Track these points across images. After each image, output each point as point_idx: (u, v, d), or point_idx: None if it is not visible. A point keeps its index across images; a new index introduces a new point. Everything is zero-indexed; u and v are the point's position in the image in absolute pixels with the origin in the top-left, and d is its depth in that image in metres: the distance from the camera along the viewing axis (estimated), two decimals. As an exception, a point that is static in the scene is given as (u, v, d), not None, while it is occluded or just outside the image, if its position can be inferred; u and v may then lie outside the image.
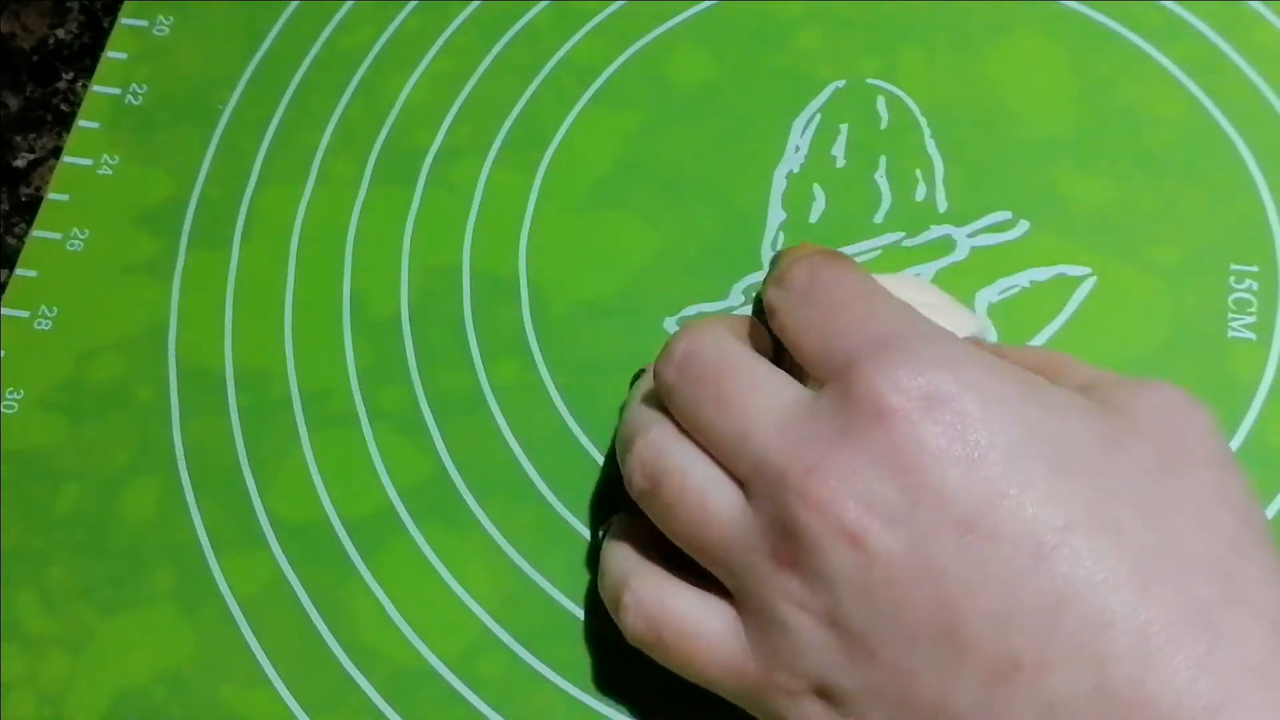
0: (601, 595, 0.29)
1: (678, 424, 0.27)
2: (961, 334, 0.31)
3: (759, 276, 0.35)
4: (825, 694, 0.24)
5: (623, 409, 0.30)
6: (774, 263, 0.30)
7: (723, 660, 0.26)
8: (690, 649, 0.27)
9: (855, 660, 0.24)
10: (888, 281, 0.32)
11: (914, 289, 0.32)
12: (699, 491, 0.26)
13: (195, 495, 0.34)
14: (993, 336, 0.34)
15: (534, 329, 0.36)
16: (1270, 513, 0.31)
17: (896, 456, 0.23)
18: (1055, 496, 0.23)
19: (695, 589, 0.27)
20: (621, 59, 0.39)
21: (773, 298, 0.28)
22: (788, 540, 0.24)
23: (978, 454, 0.23)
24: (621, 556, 0.29)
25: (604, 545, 0.30)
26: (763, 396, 0.26)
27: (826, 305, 0.27)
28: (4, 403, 0.36)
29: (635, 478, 0.27)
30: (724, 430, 0.26)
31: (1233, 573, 0.23)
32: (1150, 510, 0.23)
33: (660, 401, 0.28)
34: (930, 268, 0.35)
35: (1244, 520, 0.24)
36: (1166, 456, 0.24)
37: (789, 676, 0.25)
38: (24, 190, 0.39)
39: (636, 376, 0.31)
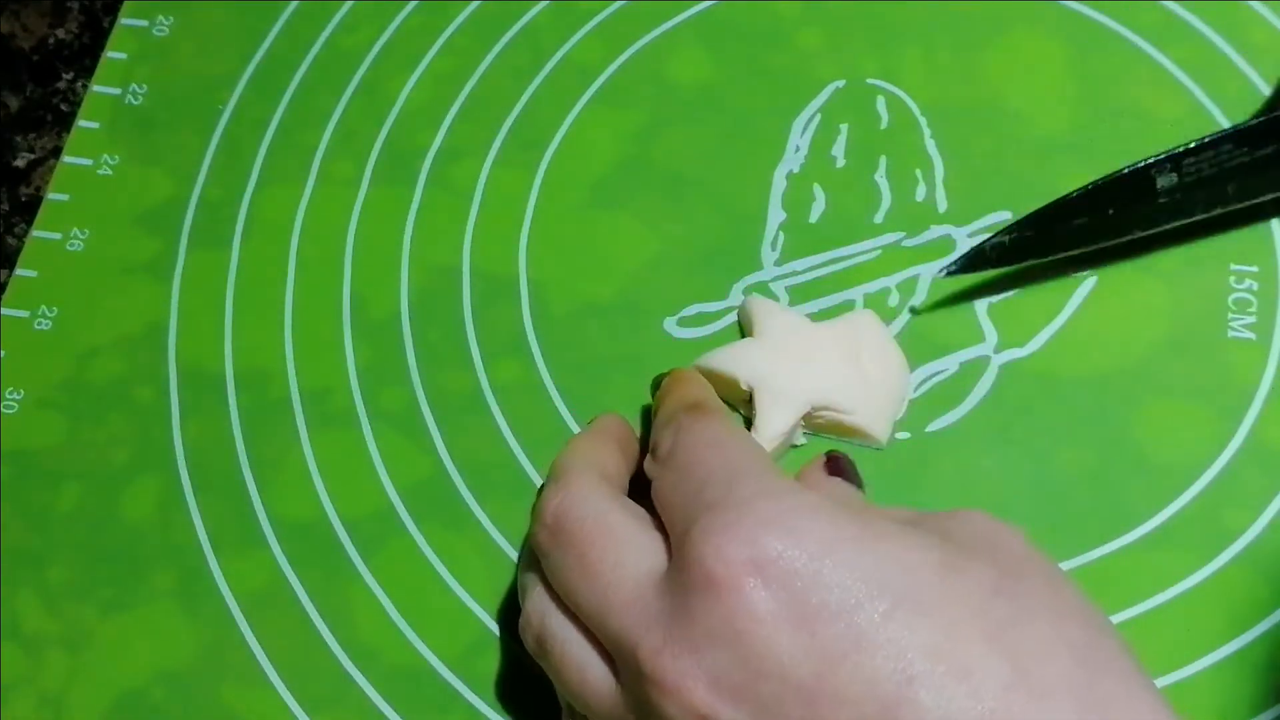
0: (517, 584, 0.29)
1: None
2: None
3: (759, 276, 0.35)
4: None
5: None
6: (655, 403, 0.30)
7: (599, 703, 0.26)
8: (572, 687, 0.26)
9: None
10: (762, 307, 0.34)
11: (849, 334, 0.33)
12: (577, 664, 0.26)
13: (195, 495, 0.34)
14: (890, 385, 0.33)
15: (534, 329, 0.36)
16: (1269, 514, 0.31)
17: (731, 629, 0.23)
18: (895, 648, 0.22)
19: (585, 634, 0.26)
20: (621, 59, 0.39)
21: (647, 469, 0.28)
22: None
23: (810, 614, 0.22)
24: (532, 560, 0.28)
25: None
26: (620, 566, 0.25)
27: (678, 470, 0.26)
28: (4, 403, 0.36)
29: (527, 641, 0.28)
30: (587, 603, 0.26)
31: (1092, 693, 0.22)
32: (998, 632, 0.22)
33: None
34: (930, 268, 0.35)
35: (1091, 625, 0.23)
36: (1002, 573, 0.24)
37: None
38: (24, 190, 0.39)
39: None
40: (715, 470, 0.26)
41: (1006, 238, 0.33)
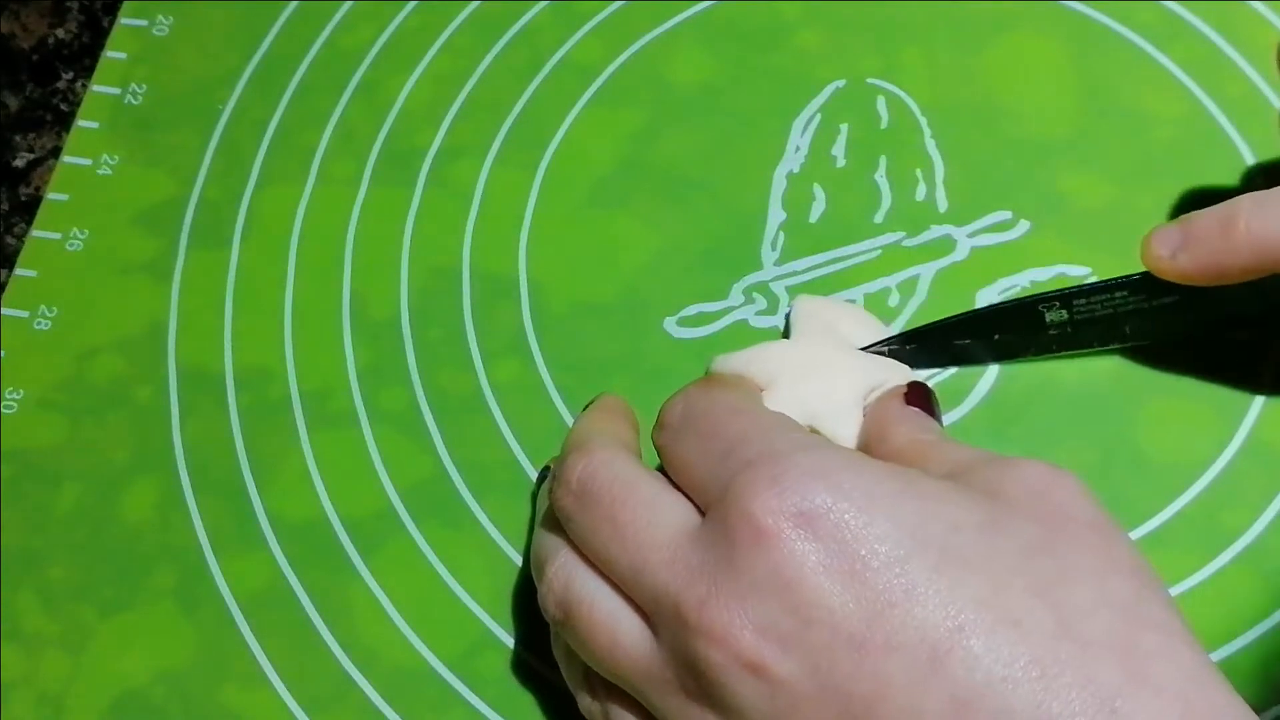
0: (531, 557, 0.29)
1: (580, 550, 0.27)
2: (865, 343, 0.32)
3: (759, 276, 0.35)
4: None
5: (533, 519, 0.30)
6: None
7: (633, 664, 0.26)
8: (602, 651, 0.26)
9: None
10: (813, 304, 0.33)
11: (838, 313, 0.33)
12: (608, 624, 0.26)
13: (195, 495, 0.34)
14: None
15: (534, 329, 0.36)
16: (1269, 514, 0.31)
17: (780, 579, 0.23)
18: (943, 597, 0.22)
19: (618, 592, 0.26)
20: (621, 59, 0.39)
21: (656, 439, 0.28)
22: (694, 675, 0.24)
23: (859, 565, 0.23)
24: (551, 526, 0.28)
25: (539, 502, 0.30)
26: (654, 525, 0.25)
27: (700, 435, 0.26)
28: (4, 403, 0.36)
29: (549, 608, 0.27)
30: (620, 562, 0.26)
31: (1135, 648, 0.22)
32: (1043, 589, 0.23)
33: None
34: (930, 268, 0.35)
35: (1137, 581, 0.23)
36: (1049, 530, 0.24)
37: None
38: (24, 190, 0.39)
39: (541, 476, 0.31)
40: (744, 432, 0.26)
41: (887, 349, 0.33)
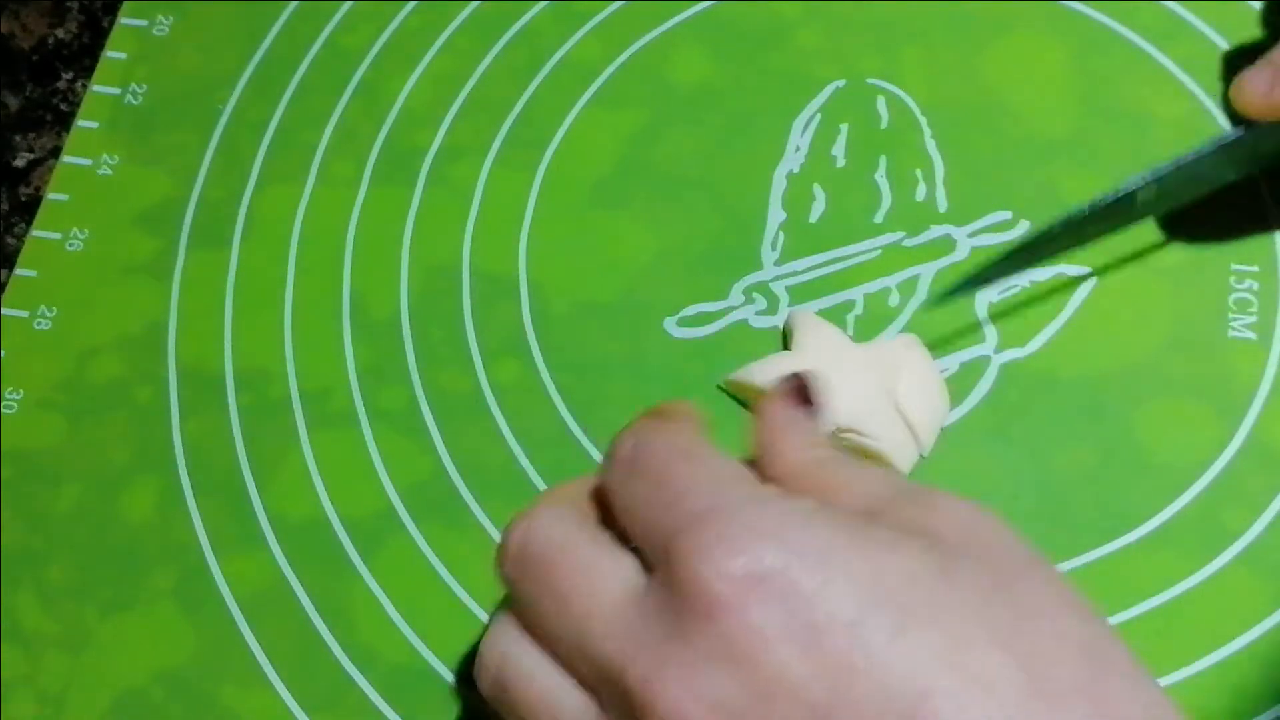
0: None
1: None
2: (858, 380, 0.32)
3: (759, 276, 0.35)
4: None
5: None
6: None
7: None
8: None
9: None
10: (806, 313, 0.34)
11: (827, 339, 0.33)
12: (548, 700, 0.24)
13: (195, 495, 0.34)
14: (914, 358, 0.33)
15: (534, 329, 0.36)
16: (1269, 514, 0.31)
17: (734, 650, 0.21)
18: (907, 660, 0.21)
19: (559, 668, 0.25)
20: (621, 59, 0.39)
21: (604, 479, 0.26)
22: None
23: (817, 630, 0.21)
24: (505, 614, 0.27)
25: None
26: (595, 592, 0.24)
27: (646, 480, 0.25)
28: (4, 403, 0.36)
29: (482, 681, 0.26)
30: (561, 633, 0.24)
31: (1103, 696, 0.21)
32: (1005, 640, 0.22)
33: None
34: (930, 268, 0.35)
35: (1086, 617, 0.23)
36: (995, 574, 0.23)
37: None
38: (24, 190, 0.39)
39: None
40: (692, 480, 0.24)
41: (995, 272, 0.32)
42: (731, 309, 0.35)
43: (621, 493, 0.25)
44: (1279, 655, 0.30)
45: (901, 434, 0.32)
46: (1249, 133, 0.32)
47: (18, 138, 0.40)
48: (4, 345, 0.37)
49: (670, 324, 0.35)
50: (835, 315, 0.35)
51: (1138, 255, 0.34)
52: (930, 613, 0.22)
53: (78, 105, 0.40)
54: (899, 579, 0.22)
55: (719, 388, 0.34)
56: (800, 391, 0.27)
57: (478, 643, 0.32)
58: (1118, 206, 0.32)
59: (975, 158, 0.36)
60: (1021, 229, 0.35)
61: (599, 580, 0.24)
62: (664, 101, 0.38)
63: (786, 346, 0.34)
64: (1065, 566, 0.31)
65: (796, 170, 0.37)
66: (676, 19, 0.39)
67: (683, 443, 0.26)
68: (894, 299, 0.35)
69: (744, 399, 0.34)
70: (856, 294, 0.35)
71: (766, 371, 0.33)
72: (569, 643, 0.24)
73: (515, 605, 0.25)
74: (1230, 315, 0.34)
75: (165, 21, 0.41)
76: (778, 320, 0.35)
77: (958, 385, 0.34)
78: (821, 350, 0.33)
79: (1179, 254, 0.34)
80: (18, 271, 0.38)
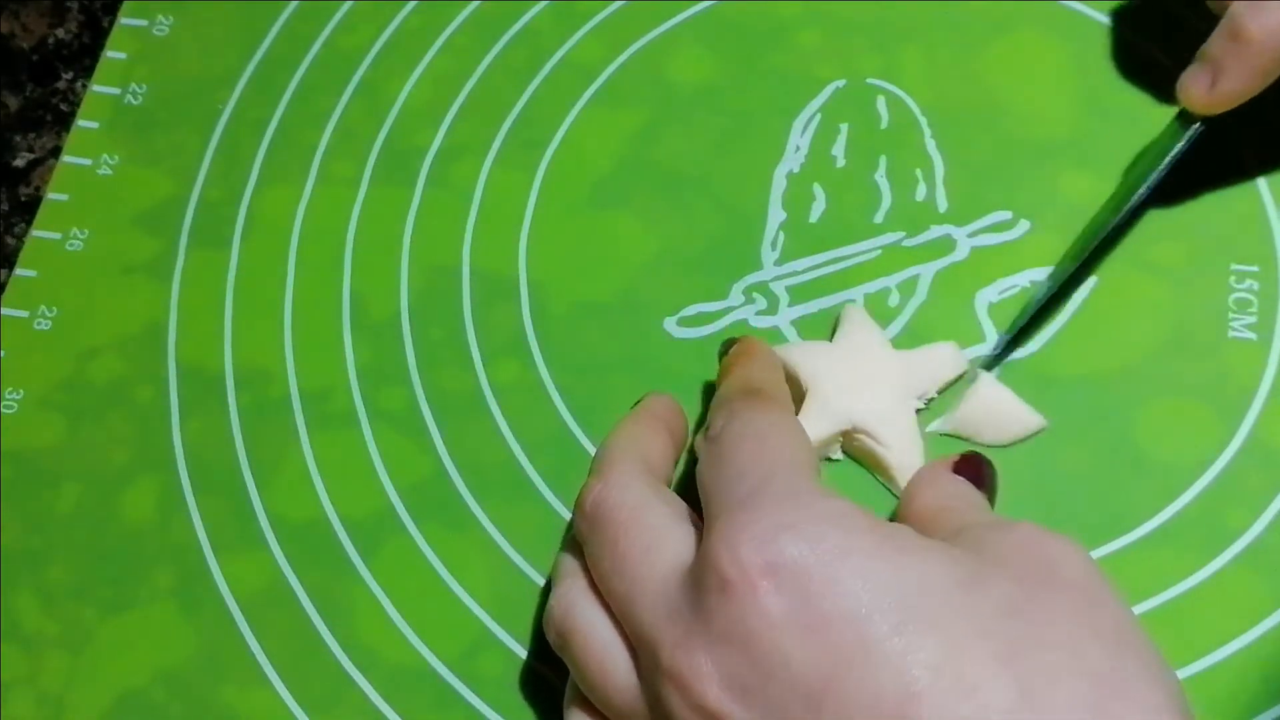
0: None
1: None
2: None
3: (759, 276, 0.35)
4: None
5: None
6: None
7: (619, 697, 0.26)
8: (593, 680, 0.26)
9: None
10: (860, 312, 0.34)
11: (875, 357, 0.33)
12: (600, 656, 0.26)
13: (195, 495, 0.34)
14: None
15: (534, 329, 0.36)
16: (1270, 514, 0.31)
17: (743, 630, 0.23)
18: (899, 660, 0.22)
19: (614, 624, 0.26)
20: (621, 59, 0.39)
21: (696, 444, 0.28)
22: (661, 717, 0.24)
23: (820, 621, 0.22)
24: (572, 548, 0.29)
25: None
26: (651, 559, 0.26)
27: (721, 457, 0.26)
28: (4, 403, 0.36)
29: (548, 631, 0.28)
30: (617, 591, 0.26)
31: None
32: (1011, 655, 0.22)
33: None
34: (930, 268, 0.35)
35: (1118, 649, 0.23)
36: (1028, 591, 0.23)
37: None
38: (24, 190, 0.39)
39: None
40: (751, 464, 0.26)
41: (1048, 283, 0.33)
42: (731, 309, 0.35)
43: (702, 463, 0.27)
44: (1279, 655, 0.30)
45: (910, 445, 0.32)
46: (1204, 122, 0.33)
47: (18, 138, 0.40)
48: (4, 345, 0.37)
49: (670, 324, 0.35)
50: (835, 314, 0.34)
51: (1138, 255, 0.34)
52: (935, 619, 0.22)
53: (78, 105, 0.40)
54: (913, 585, 0.23)
55: None
56: (971, 467, 0.29)
57: (477, 642, 0.32)
58: (1123, 218, 0.34)
59: (975, 158, 0.36)
60: (1021, 229, 0.35)
61: (655, 547, 0.26)
62: (664, 101, 0.38)
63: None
64: (1065, 566, 0.31)
65: (796, 170, 0.37)
66: (676, 19, 0.39)
67: (758, 424, 0.27)
68: (894, 299, 0.35)
69: None
70: (856, 294, 0.35)
71: (799, 355, 0.33)
72: (622, 602, 0.26)
73: (588, 559, 0.27)
74: (1230, 315, 0.34)
75: (165, 21, 0.41)
76: (778, 320, 0.35)
77: (958, 385, 0.34)
78: (859, 348, 0.33)
79: (1179, 254, 0.34)
80: (18, 271, 0.38)
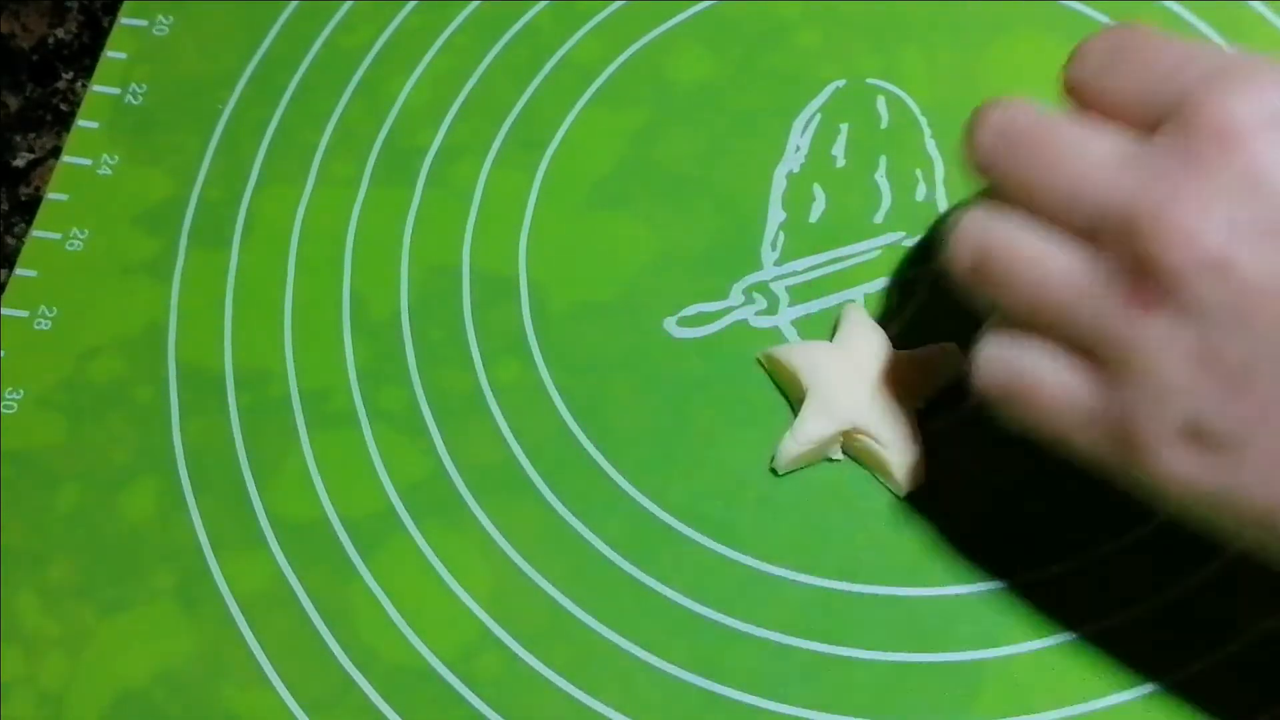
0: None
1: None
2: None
3: (759, 276, 0.35)
4: (1197, 436, 0.24)
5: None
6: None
7: (1074, 417, 0.26)
8: (1041, 408, 0.26)
9: (1231, 395, 0.23)
10: (861, 312, 0.34)
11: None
12: (1032, 255, 0.26)
13: (195, 495, 0.34)
14: None
15: (534, 329, 0.36)
16: (1270, 513, 0.31)
17: (1254, 176, 0.23)
18: None
19: (1044, 346, 0.26)
20: (621, 59, 0.39)
21: (1073, 73, 0.28)
22: (1145, 283, 0.24)
23: None
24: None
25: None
26: (1091, 150, 0.25)
27: (1139, 60, 0.26)
28: (4, 403, 0.36)
29: (960, 254, 0.27)
30: (1057, 186, 0.26)
31: None
32: None
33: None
34: (930, 268, 0.35)
35: None
36: None
37: (1155, 424, 0.24)
38: (24, 190, 0.39)
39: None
40: (1193, 48, 0.26)
41: None
42: (731, 309, 0.35)
43: (1101, 81, 0.27)
44: (1278, 656, 0.30)
45: (910, 445, 0.32)
46: None
47: (18, 138, 0.40)
48: (4, 345, 0.37)
49: (670, 324, 0.35)
50: (835, 314, 0.34)
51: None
52: None
53: (78, 105, 0.40)
54: None
55: (757, 360, 0.34)
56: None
57: (476, 642, 0.32)
58: None
59: (975, 158, 0.36)
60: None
61: (1091, 141, 0.26)
62: (664, 101, 0.38)
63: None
64: (1064, 567, 0.31)
65: (796, 170, 0.37)
66: (676, 19, 0.39)
67: (1158, 32, 0.27)
68: (894, 299, 0.35)
69: (775, 377, 0.34)
70: (856, 294, 0.35)
71: (799, 356, 0.33)
72: (1064, 194, 0.25)
73: (996, 178, 0.27)
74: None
75: (165, 21, 0.41)
76: (778, 320, 0.35)
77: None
78: (859, 349, 0.33)
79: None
80: (18, 271, 0.38)
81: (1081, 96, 0.27)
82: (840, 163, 0.37)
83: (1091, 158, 0.25)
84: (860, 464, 0.33)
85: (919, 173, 0.36)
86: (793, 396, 0.33)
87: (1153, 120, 0.25)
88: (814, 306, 0.35)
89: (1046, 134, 0.26)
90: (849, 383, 0.32)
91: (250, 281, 0.37)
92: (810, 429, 0.32)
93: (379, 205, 0.38)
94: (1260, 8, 0.37)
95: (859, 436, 0.32)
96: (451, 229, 0.37)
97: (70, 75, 0.41)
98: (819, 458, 0.33)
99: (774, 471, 0.33)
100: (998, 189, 0.27)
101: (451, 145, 0.38)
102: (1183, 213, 0.23)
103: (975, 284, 0.27)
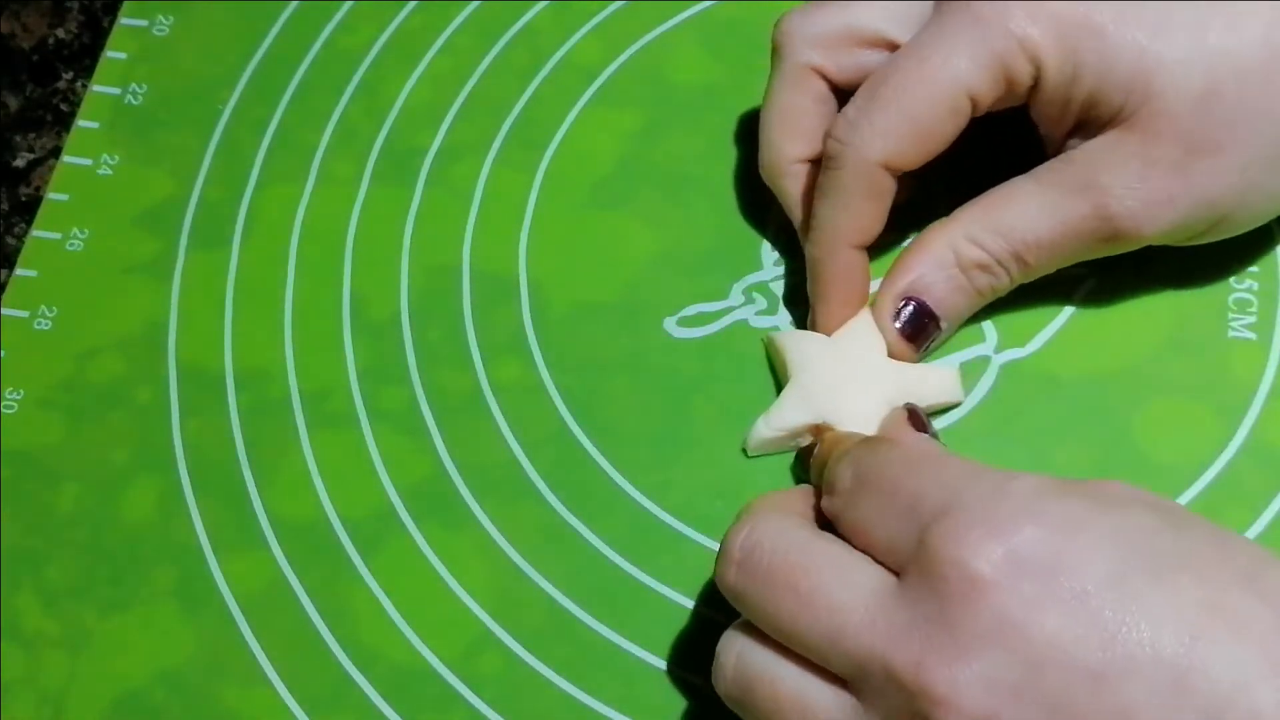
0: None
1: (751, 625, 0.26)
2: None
3: (759, 276, 0.35)
4: None
5: None
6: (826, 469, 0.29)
7: None
8: None
9: None
10: (859, 318, 0.33)
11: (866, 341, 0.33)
12: (796, 699, 0.25)
13: (195, 495, 0.34)
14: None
15: (534, 329, 0.36)
16: (1270, 513, 0.31)
17: (1003, 626, 0.22)
18: (1171, 608, 0.22)
19: (802, 666, 0.25)
20: (621, 59, 0.39)
21: (828, 506, 0.27)
22: None
23: (1082, 593, 0.22)
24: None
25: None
26: (845, 588, 0.24)
27: (878, 494, 0.26)
28: (4, 403, 0.36)
29: (722, 686, 0.26)
30: (811, 632, 0.25)
31: None
32: (1245, 581, 0.22)
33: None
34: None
35: (1264, 555, 0.23)
36: (1212, 530, 0.24)
37: None
38: (24, 190, 0.39)
39: None
40: (926, 484, 0.25)
41: None
42: (731, 309, 0.35)
43: (852, 513, 0.26)
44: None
45: None
46: None
47: (18, 138, 0.40)
48: (4, 345, 0.37)
49: (670, 324, 0.35)
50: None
51: (1137, 255, 0.34)
52: (1178, 561, 0.23)
53: (78, 105, 0.40)
54: (1141, 533, 0.23)
55: (761, 340, 0.34)
56: (919, 422, 0.30)
57: (477, 642, 0.32)
58: None
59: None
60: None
61: (849, 576, 0.25)
62: (664, 101, 0.38)
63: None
64: (1065, 566, 0.31)
65: (796, 170, 0.37)
66: (676, 19, 0.39)
67: (901, 454, 0.26)
68: (894, 299, 0.35)
69: (772, 362, 0.34)
70: (856, 294, 0.35)
71: (791, 341, 0.33)
72: (818, 640, 0.24)
73: (746, 611, 0.26)
74: (1230, 315, 0.34)
75: (165, 21, 0.41)
76: (778, 320, 0.35)
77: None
78: (854, 351, 0.33)
79: (1179, 254, 0.34)
80: (18, 271, 0.38)
81: (840, 525, 0.27)
82: (840, 163, 0.37)
83: (848, 597, 0.24)
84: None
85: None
86: (784, 383, 0.33)
87: (901, 561, 0.24)
88: (814, 306, 0.35)
89: (798, 565, 0.25)
90: (835, 379, 0.32)
91: (250, 281, 0.37)
92: (785, 416, 0.32)
93: (379, 205, 0.38)
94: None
95: (828, 434, 0.32)
96: (451, 229, 0.37)
97: (70, 75, 0.41)
98: (792, 445, 0.33)
99: (744, 452, 0.33)
100: (750, 619, 0.26)
101: (451, 145, 0.38)
102: (940, 672, 0.22)
103: (741, 711, 0.26)
